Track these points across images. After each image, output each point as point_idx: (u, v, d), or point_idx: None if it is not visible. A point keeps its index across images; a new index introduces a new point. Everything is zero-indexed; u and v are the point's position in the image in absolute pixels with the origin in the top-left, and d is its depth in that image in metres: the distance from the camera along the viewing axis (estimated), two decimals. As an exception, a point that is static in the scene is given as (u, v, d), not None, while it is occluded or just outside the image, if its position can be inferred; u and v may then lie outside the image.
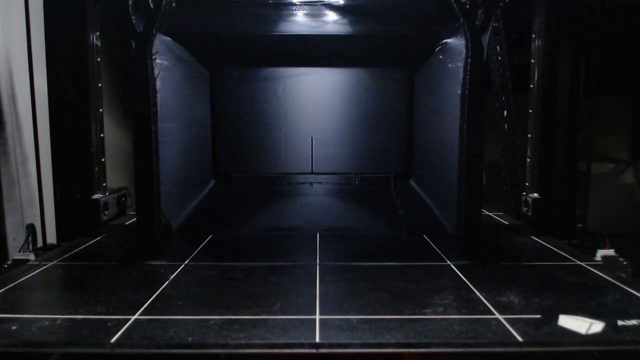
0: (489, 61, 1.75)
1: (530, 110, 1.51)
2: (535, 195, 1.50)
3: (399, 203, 1.67)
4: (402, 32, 1.57)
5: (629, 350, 0.76)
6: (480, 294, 0.93)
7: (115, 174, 1.82)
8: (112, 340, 0.74)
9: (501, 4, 1.27)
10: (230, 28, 1.55)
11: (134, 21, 1.20)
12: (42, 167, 1.36)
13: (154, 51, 1.21)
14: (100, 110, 1.48)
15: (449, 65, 1.43)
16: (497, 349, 0.73)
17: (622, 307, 0.87)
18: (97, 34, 1.45)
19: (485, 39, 1.19)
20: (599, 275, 1.06)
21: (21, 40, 1.37)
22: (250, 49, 1.71)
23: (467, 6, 1.20)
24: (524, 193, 1.55)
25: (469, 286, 0.98)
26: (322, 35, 1.53)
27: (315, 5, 1.49)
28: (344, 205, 1.73)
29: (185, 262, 1.16)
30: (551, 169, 1.47)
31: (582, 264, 1.14)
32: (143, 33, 1.19)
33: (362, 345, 0.73)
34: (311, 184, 1.86)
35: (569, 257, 1.20)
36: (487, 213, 1.69)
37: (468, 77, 1.16)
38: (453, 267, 1.12)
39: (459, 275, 1.05)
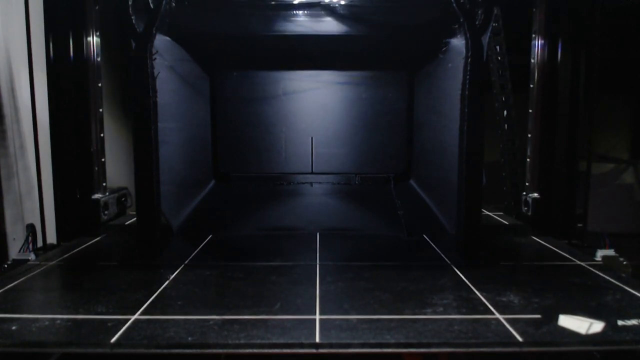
0: (489, 61, 1.75)
1: (530, 110, 1.51)
2: (535, 195, 1.50)
3: (399, 203, 1.67)
4: (402, 33, 1.57)
5: (629, 350, 0.76)
6: (480, 294, 0.93)
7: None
8: (112, 340, 0.74)
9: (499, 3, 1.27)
10: (230, 28, 1.55)
11: (134, 21, 1.21)
12: (42, 167, 1.36)
13: (154, 51, 1.21)
14: (100, 110, 1.48)
15: (449, 65, 1.43)
16: (497, 349, 0.73)
17: (622, 307, 0.87)
18: (97, 34, 1.45)
19: (485, 39, 1.19)
20: (599, 275, 1.06)
21: (21, 40, 1.37)
22: (250, 49, 1.71)
23: (467, 6, 1.20)
24: (524, 193, 1.55)
25: (469, 286, 0.98)
26: (322, 35, 1.53)
27: (316, 6, 1.49)
28: (344, 205, 1.73)
29: (185, 262, 1.16)
30: (551, 169, 1.47)
31: (582, 264, 1.14)
32: (143, 33, 1.20)
33: (362, 345, 0.73)
34: (311, 183, 1.86)
35: (569, 257, 1.20)
36: (487, 213, 1.69)
37: (468, 77, 1.16)
38: (453, 267, 1.12)
39: (459, 275, 1.05)
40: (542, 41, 1.46)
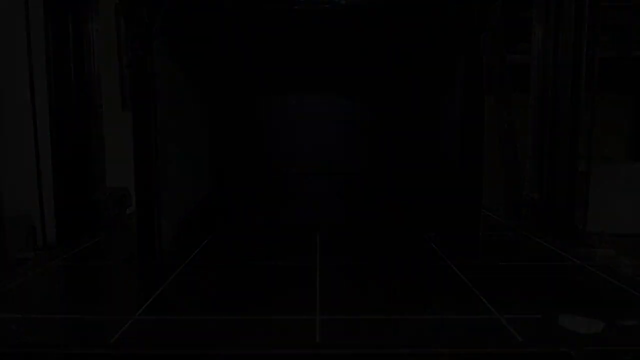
0: (489, 61, 1.75)
1: (531, 110, 1.51)
2: (536, 195, 1.50)
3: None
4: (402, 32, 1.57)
5: (628, 350, 0.76)
6: (480, 294, 0.93)
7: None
8: (112, 340, 0.74)
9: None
10: (231, 31, 1.55)
11: (134, 21, 1.20)
12: (42, 167, 1.36)
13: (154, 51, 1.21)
14: (101, 109, 1.48)
15: (450, 65, 1.43)
16: (497, 349, 0.73)
17: (622, 307, 0.87)
18: (98, 31, 1.45)
19: (485, 39, 1.19)
20: (599, 275, 1.06)
21: (21, 39, 1.37)
22: (251, 49, 1.71)
23: (464, 4, 1.20)
24: (524, 193, 1.55)
25: (469, 286, 0.98)
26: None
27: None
28: (345, 204, 1.73)
29: (185, 262, 1.16)
30: (551, 169, 1.47)
31: (582, 264, 1.14)
32: (143, 33, 1.19)
33: (362, 345, 0.73)
34: (312, 183, 1.86)
35: (569, 257, 1.20)
36: (487, 213, 1.69)
37: (468, 77, 1.16)
38: (453, 267, 1.12)
39: (459, 275, 1.05)
40: (542, 40, 1.45)
